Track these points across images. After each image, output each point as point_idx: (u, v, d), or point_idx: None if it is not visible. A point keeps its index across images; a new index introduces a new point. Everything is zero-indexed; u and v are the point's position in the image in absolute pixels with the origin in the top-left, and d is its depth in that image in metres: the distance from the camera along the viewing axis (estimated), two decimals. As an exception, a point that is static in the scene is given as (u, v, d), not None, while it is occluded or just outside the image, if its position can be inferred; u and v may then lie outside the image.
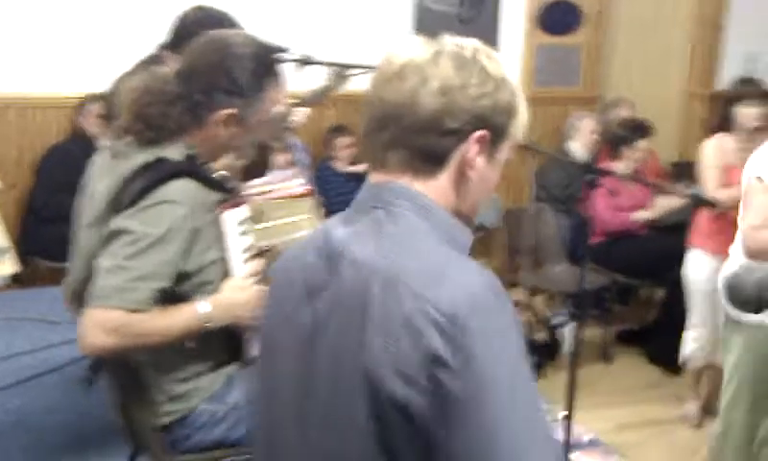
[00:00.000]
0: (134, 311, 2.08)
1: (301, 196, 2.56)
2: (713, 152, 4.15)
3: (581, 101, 6.16)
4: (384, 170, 1.36)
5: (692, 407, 4.37)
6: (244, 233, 2.32)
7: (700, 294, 4.22)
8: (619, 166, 5.23)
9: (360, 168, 5.62)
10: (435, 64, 1.31)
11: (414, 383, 1.17)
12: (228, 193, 2.30)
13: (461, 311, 1.17)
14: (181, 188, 2.14)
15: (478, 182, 1.37)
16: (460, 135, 1.32)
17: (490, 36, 4.82)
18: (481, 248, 5.60)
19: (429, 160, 1.33)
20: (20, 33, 5.09)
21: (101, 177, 2.27)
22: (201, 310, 2.18)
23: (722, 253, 4.04)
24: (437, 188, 1.34)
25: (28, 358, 4.39)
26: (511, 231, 5.26)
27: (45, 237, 4.96)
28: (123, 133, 2.25)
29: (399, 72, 1.32)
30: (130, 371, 2.31)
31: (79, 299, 2.32)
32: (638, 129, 5.26)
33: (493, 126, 1.33)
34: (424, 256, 1.27)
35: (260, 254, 2.38)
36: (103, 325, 2.07)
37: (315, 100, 3.76)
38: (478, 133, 1.32)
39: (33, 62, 5.12)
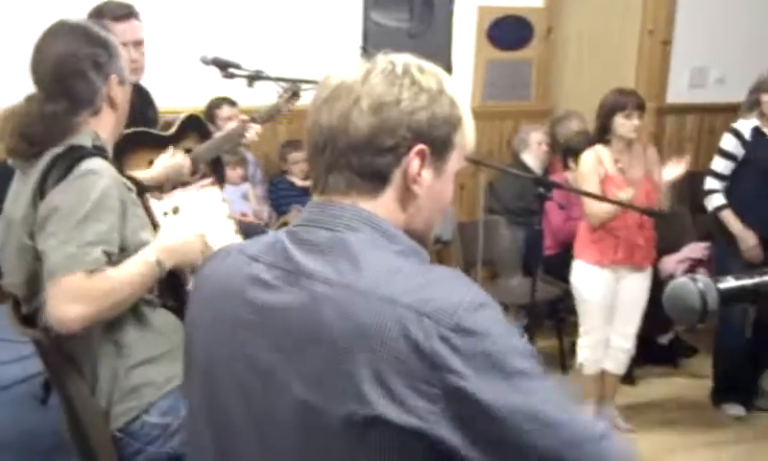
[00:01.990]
0: (92, 272, 2.10)
1: (209, 186, 2.74)
2: (591, 163, 4.21)
3: (533, 114, 6.22)
4: (327, 192, 1.34)
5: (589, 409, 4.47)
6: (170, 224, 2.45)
7: (585, 303, 4.33)
8: (571, 178, 5.29)
9: (313, 182, 5.61)
10: (365, 83, 1.29)
11: (433, 400, 1.15)
12: (135, 184, 2.38)
13: (463, 321, 1.17)
14: (100, 163, 2.20)
15: (428, 198, 1.35)
16: (398, 152, 1.30)
17: (441, 51, 4.83)
18: (437, 261, 5.60)
19: (371, 180, 1.31)
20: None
21: (14, 203, 2.30)
22: (150, 256, 2.23)
23: (602, 262, 4.19)
24: (383, 206, 1.32)
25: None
26: (465, 244, 5.29)
27: None
28: (9, 155, 2.30)
29: (331, 95, 1.31)
30: (78, 378, 2.29)
31: (21, 316, 2.32)
32: (590, 141, 5.32)
33: (433, 139, 1.31)
34: (407, 276, 1.24)
35: None
36: (67, 293, 2.08)
37: (267, 117, 3.75)
38: (417, 147, 1.30)
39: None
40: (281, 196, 5.58)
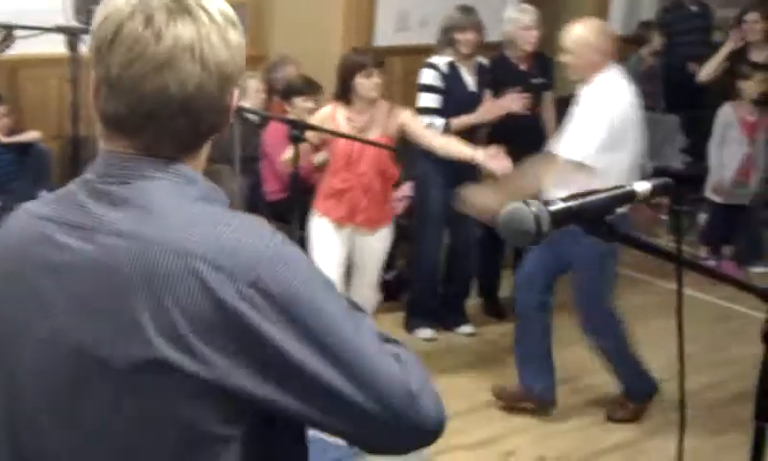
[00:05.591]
0: None
1: None
2: (323, 117, 4.29)
3: (247, 60, 6.12)
4: (142, 147, 1.23)
5: None
6: None
7: (319, 260, 4.38)
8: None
9: (19, 138, 5.24)
10: (205, 41, 1.20)
11: (229, 354, 1.13)
12: None
13: (263, 276, 1.14)
14: None
15: None
16: (230, 108, 1.28)
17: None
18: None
19: (200, 138, 1.28)
20: None
21: None
22: None
23: (331, 217, 4.29)
24: (197, 159, 1.29)
25: None
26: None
27: None
28: None
29: (170, 59, 1.18)
30: None
31: None
32: (311, 85, 5.38)
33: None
34: (207, 226, 1.18)
35: None
36: None
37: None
38: (233, 103, 1.29)
39: None
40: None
